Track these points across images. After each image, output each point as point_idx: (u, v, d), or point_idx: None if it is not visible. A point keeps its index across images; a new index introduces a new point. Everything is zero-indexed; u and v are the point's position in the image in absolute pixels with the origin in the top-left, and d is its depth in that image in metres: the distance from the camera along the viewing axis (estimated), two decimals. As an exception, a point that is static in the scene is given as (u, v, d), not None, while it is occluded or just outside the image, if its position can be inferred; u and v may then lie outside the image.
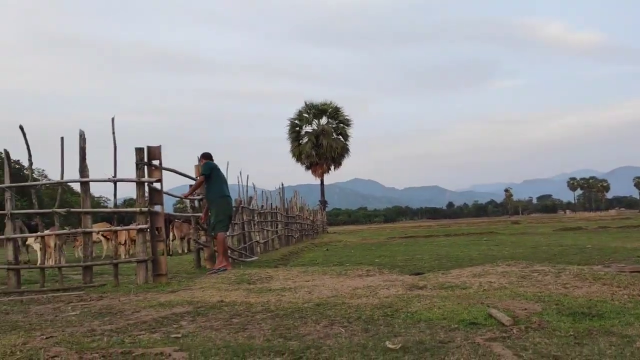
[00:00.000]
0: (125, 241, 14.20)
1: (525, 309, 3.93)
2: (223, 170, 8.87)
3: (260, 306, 4.62)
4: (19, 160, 42.76)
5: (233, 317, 4.18)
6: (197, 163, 9.13)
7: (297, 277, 6.55)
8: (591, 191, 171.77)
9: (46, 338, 3.60)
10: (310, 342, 3.21)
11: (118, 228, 9.23)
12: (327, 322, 3.81)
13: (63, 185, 7.42)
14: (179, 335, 3.54)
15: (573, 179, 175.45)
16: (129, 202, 36.02)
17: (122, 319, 4.33)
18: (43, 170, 52.34)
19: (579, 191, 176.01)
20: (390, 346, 2.98)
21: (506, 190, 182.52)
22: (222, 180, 8.64)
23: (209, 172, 8.34)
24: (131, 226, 9.22)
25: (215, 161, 8.76)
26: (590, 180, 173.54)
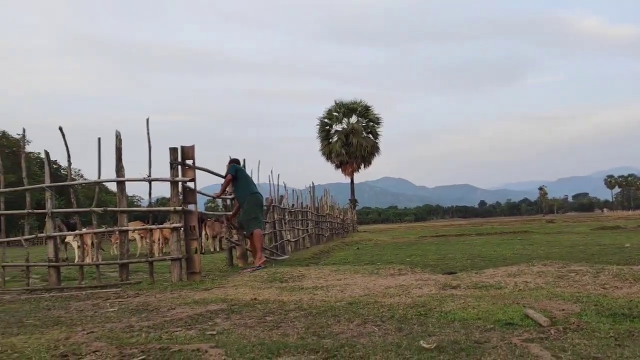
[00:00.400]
0: (159, 239, 14.47)
1: (563, 310, 3.85)
2: (254, 169, 9.07)
3: (293, 304, 4.65)
4: (56, 161, 44.16)
5: (266, 315, 4.21)
6: (227, 163, 9.32)
7: (328, 275, 6.56)
8: (630, 189, 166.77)
9: (87, 333, 3.71)
10: (344, 340, 3.22)
11: (153, 227, 9.41)
12: (360, 320, 3.81)
13: (100, 185, 7.61)
14: (214, 333, 3.60)
15: (611, 176, 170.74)
16: (162, 201, 36.72)
17: (158, 316, 4.42)
18: (79, 170, 53.92)
19: (617, 189, 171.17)
20: (424, 345, 2.97)
21: (540, 189, 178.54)
22: (248, 180, 8.92)
23: (234, 172, 8.63)
24: (165, 225, 9.39)
25: (247, 161, 8.99)
26: (629, 178, 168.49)
